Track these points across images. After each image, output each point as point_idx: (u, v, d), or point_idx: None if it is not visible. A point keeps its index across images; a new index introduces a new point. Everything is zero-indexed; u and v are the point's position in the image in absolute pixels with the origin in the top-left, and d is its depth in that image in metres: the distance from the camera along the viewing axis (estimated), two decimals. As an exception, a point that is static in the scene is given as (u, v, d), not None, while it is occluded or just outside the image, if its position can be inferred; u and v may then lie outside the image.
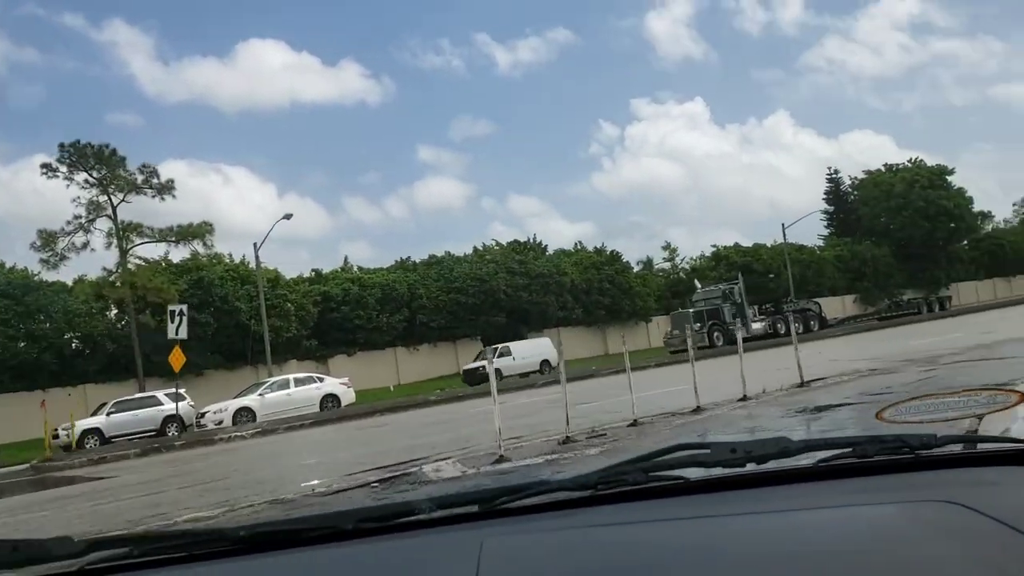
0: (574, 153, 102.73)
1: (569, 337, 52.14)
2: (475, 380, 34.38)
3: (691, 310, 41.63)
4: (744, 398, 13.81)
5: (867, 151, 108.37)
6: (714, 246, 65.88)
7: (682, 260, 65.56)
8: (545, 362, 37.79)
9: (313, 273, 50.27)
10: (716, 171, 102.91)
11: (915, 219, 67.96)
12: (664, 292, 60.28)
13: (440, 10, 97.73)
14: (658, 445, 1.61)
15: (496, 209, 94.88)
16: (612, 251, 58.58)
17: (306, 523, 1.42)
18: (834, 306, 52.30)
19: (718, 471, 1.40)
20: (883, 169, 73.68)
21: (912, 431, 1.86)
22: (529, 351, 39.34)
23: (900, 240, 68.47)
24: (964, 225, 72.14)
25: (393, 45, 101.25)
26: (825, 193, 75.38)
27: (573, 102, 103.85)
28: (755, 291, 60.17)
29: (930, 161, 71.95)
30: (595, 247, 58.88)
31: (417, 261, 54.39)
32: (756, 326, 40.51)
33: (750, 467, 1.40)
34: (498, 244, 55.30)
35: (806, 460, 1.42)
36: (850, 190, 74.64)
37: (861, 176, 74.64)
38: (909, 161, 72.58)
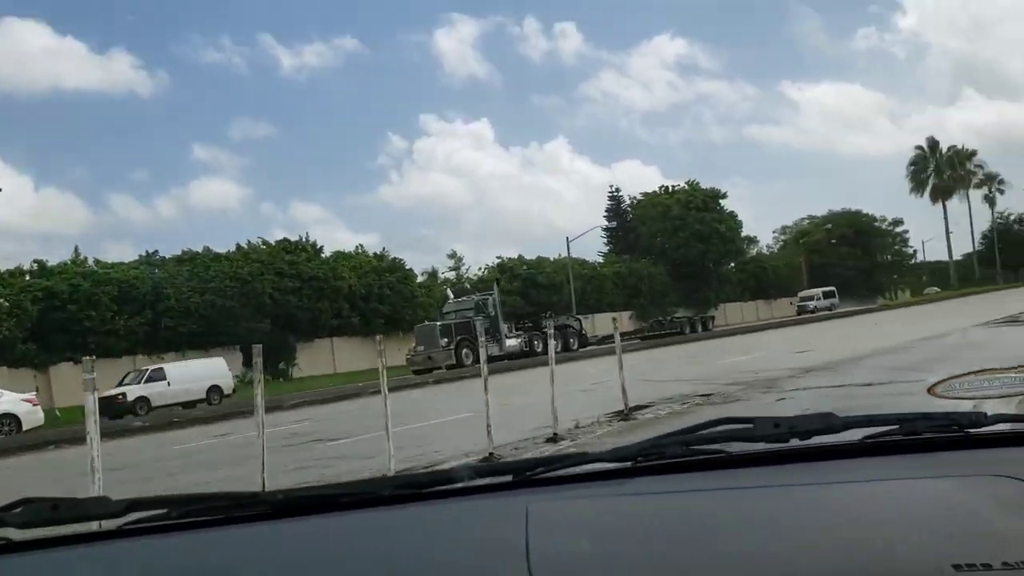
0: (361, 163, 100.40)
1: (344, 347, 47.18)
2: (113, 412, 26.16)
3: (438, 323, 36.67)
4: (555, 437, 10.20)
5: (637, 180, 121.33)
6: (499, 257, 63.68)
7: (467, 269, 62.61)
8: (215, 388, 30.68)
9: (35, 265, 41.83)
10: (499, 190, 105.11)
11: (690, 240, 69.45)
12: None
13: (222, 6, 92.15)
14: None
15: (277, 215, 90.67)
16: (395, 258, 54.51)
17: (342, 488, 1.45)
18: (611, 322, 51.22)
19: (761, 446, 1.37)
20: (659, 191, 75.17)
21: (962, 408, 1.45)
22: (193, 374, 30.98)
23: (675, 260, 69.68)
24: (734, 248, 74.91)
25: (170, 38, 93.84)
26: (606, 211, 75.72)
27: (361, 112, 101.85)
28: (539, 305, 58.79)
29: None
30: (375, 252, 54.50)
31: (167, 256, 47.16)
32: (511, 343, 36.55)
33: (793, 442, 1.35)
34: (266, 243, 49.18)
35: (852, 436, 1.37)
36: (629, 209, 75.39)
37: (640, 196, 75.82)
38: (686, 183, 74.41)
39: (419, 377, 30.63)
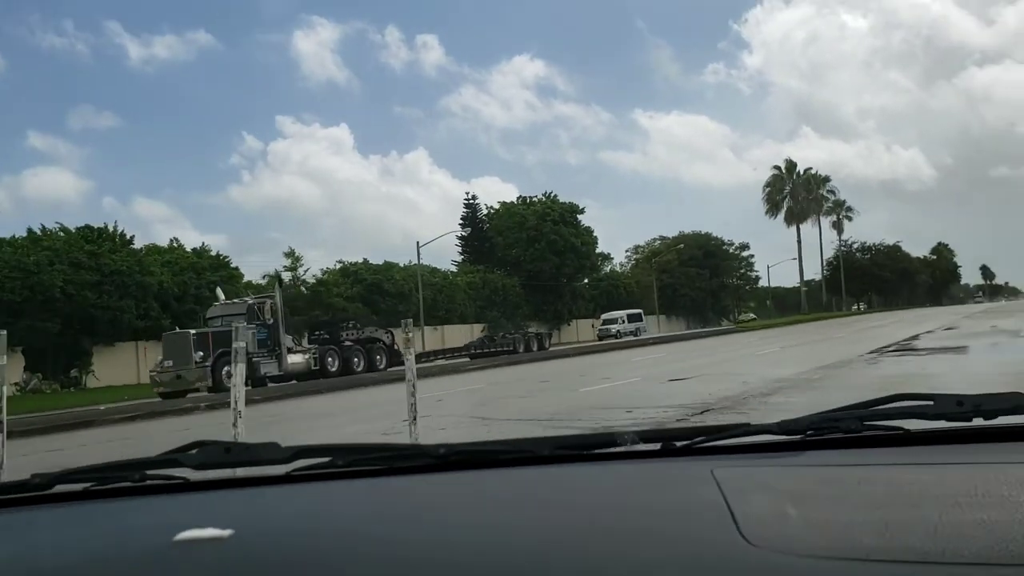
0: (212, 162, 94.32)
1: (154, 352, 40.80)
2: None
3: (192, 331, 27.56)
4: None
5: (494, 196, 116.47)
6: (340, 261, 58.31)
7: (305, 271, 56.72)
8: None
9: None
10: (356, 197, 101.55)
11: (545, 253, 66.71)
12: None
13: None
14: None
15: (118, 210, 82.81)
16: (218, 253, 48.32)
17: (503, 445, 1.44)
18: (462, 334, 46.70)
19: (941, 424, 1.27)
20: (517, 201, 72.13)
21: None
22: None
23: (530, 271, 66.68)
24: (589, 263, 72.73)
25: (4, 17, 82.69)
26: (462, 219, 71.86)
27: (214, 109, 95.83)
28: (385, 314, 54.09)
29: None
30: (194, 248, 48.07)
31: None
32: (296, 359, 27.93)
33: (977, 422, 1.26)
34: (64, 229, 42.01)
35: None
36: (485, 218, 71.88)
37: (497, 206, 72.53)
38: (544, 195, 71.69)
39: (168, 402, 23.05)
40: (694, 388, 13.62)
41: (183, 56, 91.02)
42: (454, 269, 68.44)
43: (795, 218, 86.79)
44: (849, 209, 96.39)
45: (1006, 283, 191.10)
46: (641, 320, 63.93)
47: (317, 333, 31.89)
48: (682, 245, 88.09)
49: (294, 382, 26.54)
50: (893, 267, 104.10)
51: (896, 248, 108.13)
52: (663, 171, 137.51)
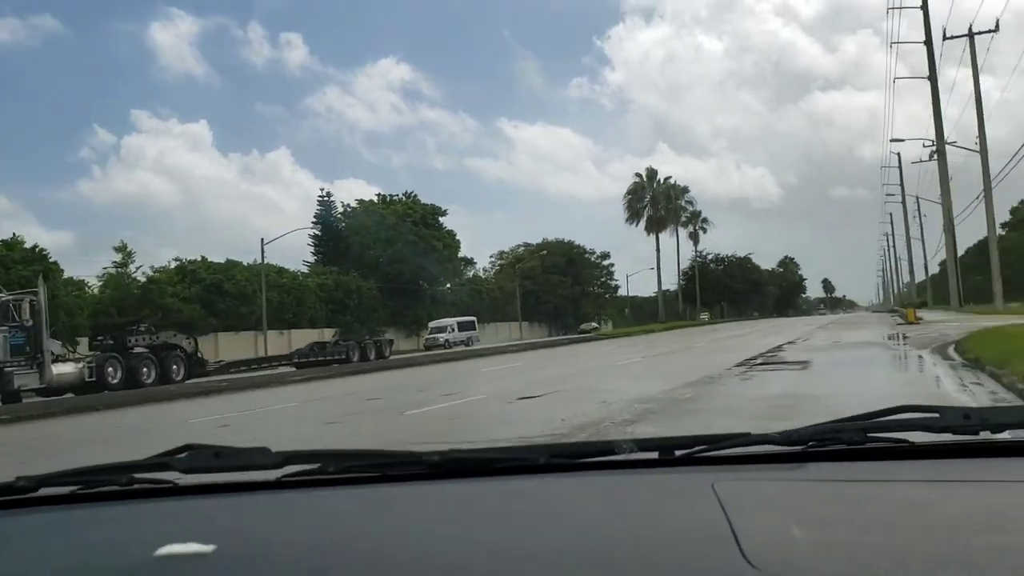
0: (60, 155, 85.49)
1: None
2: None
3: None
4: None
5: (359, 198, 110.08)
6: (177, 259, 53.07)
7: (137, 268, 51.10)
8: None
9: None
10: (214, 195, 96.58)
11: (405, 255, 63.59)
12: (106, 306, 45.72)
13: None
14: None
15: None
16: (35, 246, 42.63)
17: (499, 453, 1.41)
18: (310, 339, 42.70)
19: (947, 437, 1.25)
20: (376, 200, 68.70)
21: None
22: None
23: (388, 274, 63.37)
24: (451, 267, 70.04)
25: None
26: (315, 216, 67.72)
27: (62, 99, 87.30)
28: (224, 316, 49.52)
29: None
30: (3, 240, 42.12)
31: None
32: (64, 369, 23.32)
33: (984, 435, 1.25)
34: None
35: None
36: (342, 217, 68.00)
37: (355, 204, 68.82)
38: (404, 195, 68.57)
39: None
40: (546, 410, 11.05)
41: (28, 41, 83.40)
42: (306, 270, 64.39)
43: (655, 226, 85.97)
44: (705, 220, 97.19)
45: (844, 296, 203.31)
46: (474, 328, 59.04)
47: (100, 338, 27.33)
48: (545, 252, 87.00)
49: (70, 395, 22.21)
50: (745, 278, 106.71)
51: (747, 260, 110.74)
52: (527, 180, 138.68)
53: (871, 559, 0.88)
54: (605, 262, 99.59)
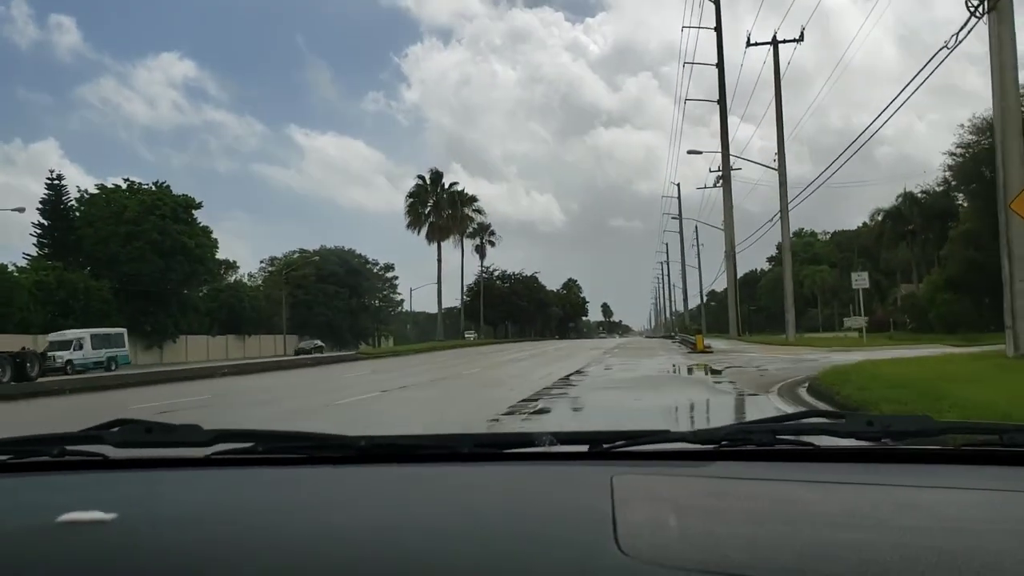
0: None
1: None
2: None
3: None
4: None
5: (99, 184, 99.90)
6: None
7: None
8: None
9: None
10: None
11: (147, 252, 53.95)
12: None
13: None
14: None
15: None
16: None
17: (424, 440, 1.44)
18: (15, 346, 32.18)
19: (850, 442, 1.31)
20: (122, 184, 58.43)
21: None
22: None
23: (128, 274, 53.49)
24: (204, 270, 60.78)
25: None
26: (41, 203, 56.42)
27: None
28: None
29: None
30: None
31: None
32: None
33: (886, 442, 1.30)
34: None
35: (946, 442, 1.32)
36: (76, 204, 57.15)
37: (94, 189, 58.12)
38: (154, 184, 58.75)
39: None
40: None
41: None
42: (25, 264, 53.23)
43: (437, 234, 75.06)
44: (492, 233, 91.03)
45: (620, 321, 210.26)
46: (122, 345, 41.14)
47: None
48: (318, 258, 79.44)
49: None
50: (531, 297, 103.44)
51: (534, 279, 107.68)
52: (318, 190, 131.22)
53: (732, 549, 0.92)
54: (389, 274, 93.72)
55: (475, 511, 1.12)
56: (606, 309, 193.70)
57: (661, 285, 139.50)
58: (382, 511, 1.14)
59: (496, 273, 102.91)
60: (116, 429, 1.40)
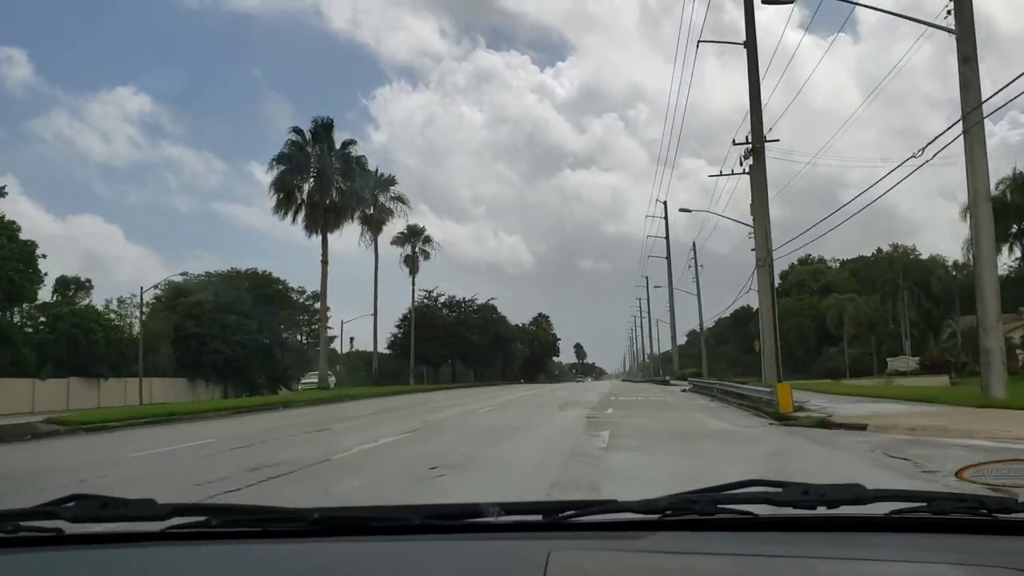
0: None
1: None
2: None
3: None
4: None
5: (96, 238, 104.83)
6: None
7: None
8: None
9: None
10: None
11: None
12: None
13: None
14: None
15: None
16: None
17: (376, 512, 1.43)
18: None
19: (788, 511, 1.33)
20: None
21: (992, 494, 1.54)
22: None
23: None
24: (21, 291, 42.71)
25: None
26: None
27: None
28: None
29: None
30: None
31: None
32: None
33: (820, 510, 1.33)
34: None
35: (879, 509, 1.34)
36: None
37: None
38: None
39: None
40: None
41: None
42: None
43: (322, 219, 45.16)
44: (427, 241, 67.89)
45: (594, 363, 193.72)
46: None
47: None
48: (213, 279, 61.63)
49: None
50: (486, 330, 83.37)
51: (491, 309, 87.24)
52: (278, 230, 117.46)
53: None
54: (318, 305, 75.83)
55: None
56: (579, 350, 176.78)
57: (639, 324, 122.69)
58: None
59: (442, 299, 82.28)
60: (71, 504, 1.36)
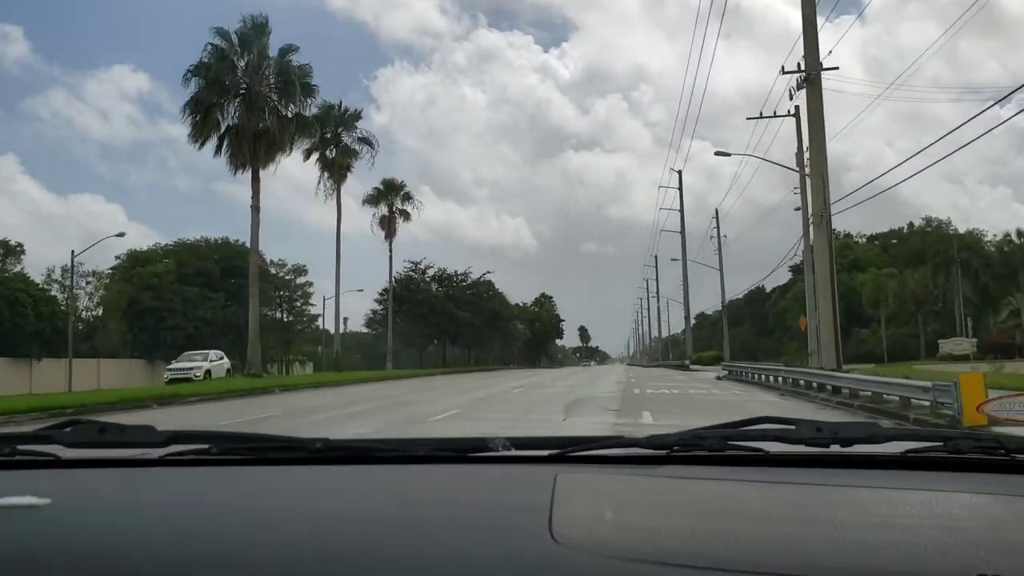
0: None
1: None
2: None
3: None
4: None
5: (97, 217, 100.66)
6: None
7: None
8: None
9: None
10: None
11: None
12: None
13: None
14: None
15: None
16: None
17: (380, 443, 1.43)
18: None
19: (800, 448, 1.32)
20: None
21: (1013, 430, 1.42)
22: None
23: None
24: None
25: None
26: None
27: None
28: None
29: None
30: None
31: None
32: None
33: (834, 448, 1.31)
34: None
35: (894, 449, 1.32)
36: None
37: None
38: None
39: None
40: None
41: None
42: None
43: (249, 149, 33.87)
44: (408, 198, 57.18)
45: (597, 347, 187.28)
46: None
47: None
48: (172, 247, 54.62)
49: None
50: (480, 307, 74.57)
51: (487, 284, 78.70)
52: (282, 212, 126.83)
53: (667, 540, 0.95)
54: (300, 279, 68.99)
55: (421, 507, 1.13)
56: (583, 333, 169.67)
57: (645, 306, 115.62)
58: (331, 510, 1.13)
59: (431, 271, 73.23)
60: (68, 429, 1.35)
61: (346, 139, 45.81)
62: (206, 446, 1.36)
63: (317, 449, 1.34)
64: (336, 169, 45.03)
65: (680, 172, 65.16)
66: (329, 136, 44.29)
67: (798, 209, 35.06)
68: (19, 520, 1.03)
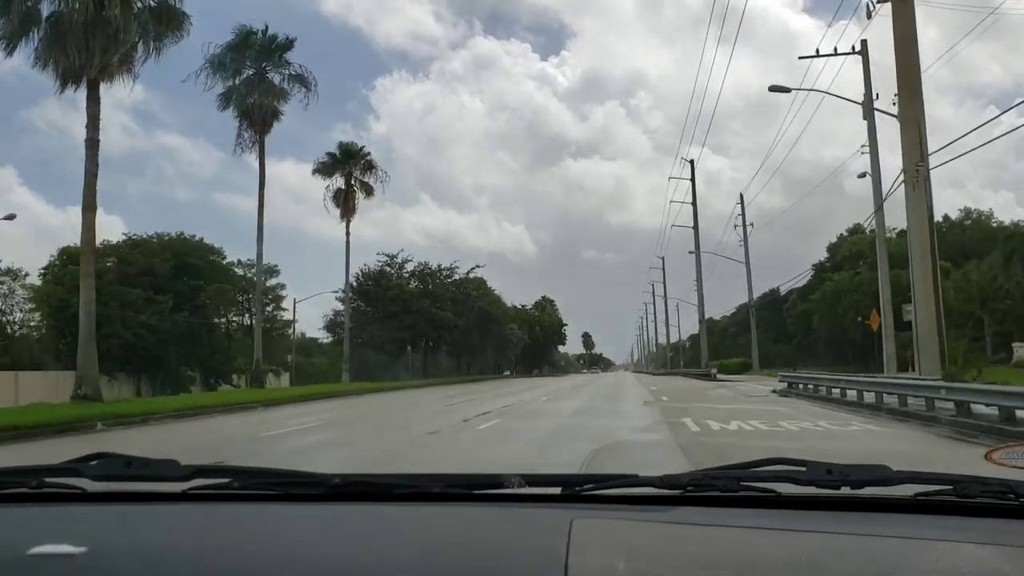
0: None
1: None
2: None
3: None
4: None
5: (97, 228, 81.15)
6: None
7: None
8: None
9: None
10: None
11: None
12: None
13: None
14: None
15: None
16: None
17: (396, 479, 1.44)
18: None
19: (811, 490, 1.32)
20: None
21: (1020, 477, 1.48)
22: None
23: None
24: None
25: None
26: None
27: None
28: None
29: None
30: None
31: None
32: None
33: (844, 490, 1.32)
34: None
35: (904, 491, 1.32)
36: None
37: None
38: None
39: None
40: None
41: None
42: None
43: (93, 51, 21.16)
44: (370, 168, 44.71)
45: (601, 354, 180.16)
46: None
47: None
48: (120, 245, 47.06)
49: None
50: (467, 306, 65.59)
51: (479, 282, 69.43)
52: (283, 220, 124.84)
53: None
54: (272, 281, 61.54)
55: (437, 550, 1.14)
56: (587, 339, 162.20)
57: (651, 312, 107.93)
58: (348, 549, 1.15)
59: (410, 265, 62.66)
60: (95, 463, 1.37)
61: (275, 76, 34.85)
62: (227, 480, 1.38)
63: (335, 485, 1.35)
64: (256, 116, 34.02)
65: (692, 162, 58.07)
66: (253, 73, 33.94)
67: (862, 176, 27.87)
68: (55, 564, 1.03)
